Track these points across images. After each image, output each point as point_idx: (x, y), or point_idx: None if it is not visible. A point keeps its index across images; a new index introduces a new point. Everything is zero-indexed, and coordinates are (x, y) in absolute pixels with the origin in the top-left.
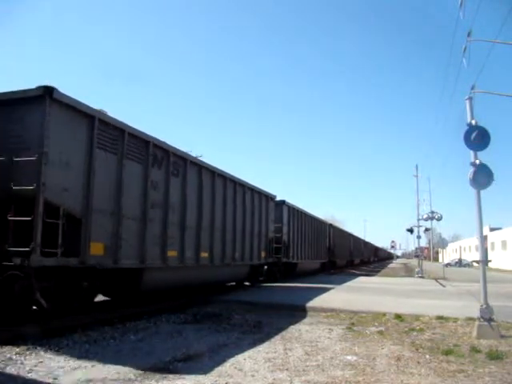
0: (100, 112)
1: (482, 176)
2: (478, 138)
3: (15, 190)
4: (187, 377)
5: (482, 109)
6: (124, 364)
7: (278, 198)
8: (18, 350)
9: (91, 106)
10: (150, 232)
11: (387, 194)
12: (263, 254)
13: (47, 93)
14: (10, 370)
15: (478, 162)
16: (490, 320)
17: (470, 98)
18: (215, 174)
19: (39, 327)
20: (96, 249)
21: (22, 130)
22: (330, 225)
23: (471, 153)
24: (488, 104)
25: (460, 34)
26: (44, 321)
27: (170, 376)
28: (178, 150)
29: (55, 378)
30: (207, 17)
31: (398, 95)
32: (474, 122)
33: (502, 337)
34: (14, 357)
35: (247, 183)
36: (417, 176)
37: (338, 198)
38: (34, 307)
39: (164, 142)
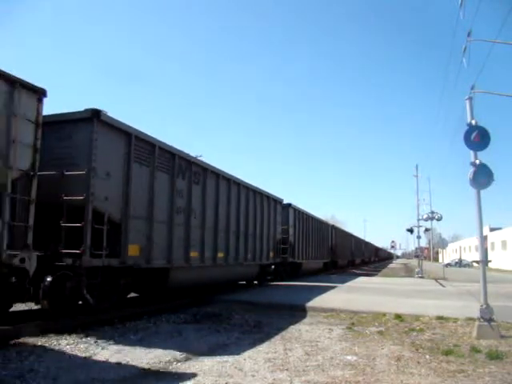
0: (136, 129)
1: (482, 176)
2: (477, 137)
3: (66, 200)
4: (187, 377)
5: (481, 109)
6: (124, 364)
7: (277, 198)
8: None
9: (128, 123)
10: (175, 235)
11: (387, 194)
12: (271, 255)
13: (95, 115)
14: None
15: (477, 161)
16: (489, 320)
17: (470, 98)
18: (230, 181)
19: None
20: (133, 250)
21: (72, 147)
22: (332, 226)
23: (471, 153)
24: (488, 104)
25: (460, 34)
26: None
27: (170, 376)
28: (199, 160)
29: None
30: (207, 17)
31: (398, 95)
32: (473, 122)
33: (502, 337)
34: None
35: (258, 188)
36: (417, 176)
37: (337, 197)
38: (80, 302)
39: (188, 154)
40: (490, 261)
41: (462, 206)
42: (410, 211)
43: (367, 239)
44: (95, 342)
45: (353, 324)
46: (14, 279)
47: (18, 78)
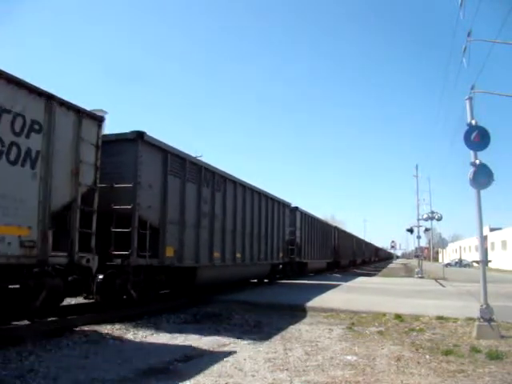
0: (171, 147)
1: (482, 176)
2: (477, 138)
3: (115, 209)
4: (187, 377)
5: (482, 109)
6: (124, 364)
7: (286, 202)
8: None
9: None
10: (202, 237)
11: (387, 194)
12: (281, 255)
13: (139, 136)
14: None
15: (477, 161)
16: (489, 320)
17: (470, 98)
18: (246, 188)
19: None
20: (169, 252)
21: (120, 163)
22: (335, 227)
23: (471, 153)
24: (488, 104)
25: (460, 34)
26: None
27: (170, 376)
28: (221, 170)
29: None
30: (207, 17)
31: (398, 95)
32: (473, 122)
33: (502, 337)
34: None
35: (269, 193)
36: (417, 176)
37: (337, 197)
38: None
39: (212, 166)
40: (490, 261)
41: (462, 206)
42: (410, 211)
43: (367, 239)
44: (94, 341)
45: (353, 324)
46: (72, 277)
47: (83, 109)
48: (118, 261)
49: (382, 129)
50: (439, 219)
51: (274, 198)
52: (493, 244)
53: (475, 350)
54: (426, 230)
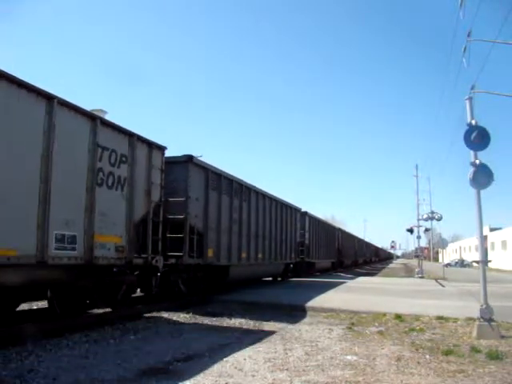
0: (211, 166)
1: (482, 176)
2: (477, 137)
3: (170, 218)
4: (187, 377)
5: (482, 109)
6: (124, 364)
7: (297, 208)
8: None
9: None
10: (233, 240)
11: (387, 194)
12: (293, 255)
13: (189, 159)
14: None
15: (477, 161)
16: (489, 320)
17: (470, 98)
18: (265, 196)
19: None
20: (210, 253)
21: (173, 181)
22: (339, 229)
23: (471, 153)
24: (488, 104)
25: (460, 34)
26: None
27: (170, 376)
28: (248, 183)
29: None
30: (207, 17)
31: (397, 95)
32: (473, 122)
33: (502, 337)
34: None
35: (283, 200)
36: (417, 176)
37: (337, 198)
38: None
39: (240, 179)
40: (490, 261)
41: (462, 206)
42: (410, 211)
43: (367, 239)
44: (94, 341)
45: (353, 324)
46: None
47: (153, 142)
48: (173, 260)
49: (382, 129)
50: (439, 219)
51: (288, 204)
52: (493, 244)
53: (475, 349)
54: (426, 230)
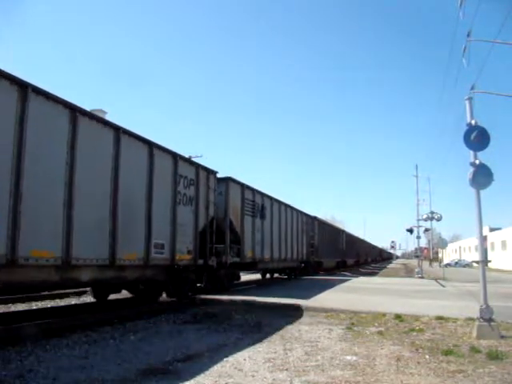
0: (245, 183)
1: (482, 176)
2: (477, 137)
3: (216, 227)
4: (187, 377)
5: (482, 109)
6: (124, 364)
7: (307, 214)
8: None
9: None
10: (259, 243)
11: (387, 194)
12: (304, 255)
13: (229, 179)
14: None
15: (477, 162)
16: (489, 320)
17: (470, 98)
18: (281, 204)
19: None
20: (249, 253)
21: (217, 196)
22: (343, 230)
23: (471, 153)
24: (488, 104)
25: (460, 34)
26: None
27: (170, 376)
28: (270, 195)
29: None
30: (207, 17)
31: (398, 95)
32: (473, 122)
33: (502, 337)
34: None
35: (296, 208)
36: (417, 176)
37: (337, 197)
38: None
39: (265, 192)
40: (490, 261)
41: (462, 206)
42: (410, 211)
43: (367, 239)
44: (94, 341)
45: (353, 324)
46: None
47: (210, 169)
48: (219, 260)
49: (382, 129)
50: (439, 219)
51: (299, 211)
52: (493, 244)
53: (475, 350)
54: (426, 230)
